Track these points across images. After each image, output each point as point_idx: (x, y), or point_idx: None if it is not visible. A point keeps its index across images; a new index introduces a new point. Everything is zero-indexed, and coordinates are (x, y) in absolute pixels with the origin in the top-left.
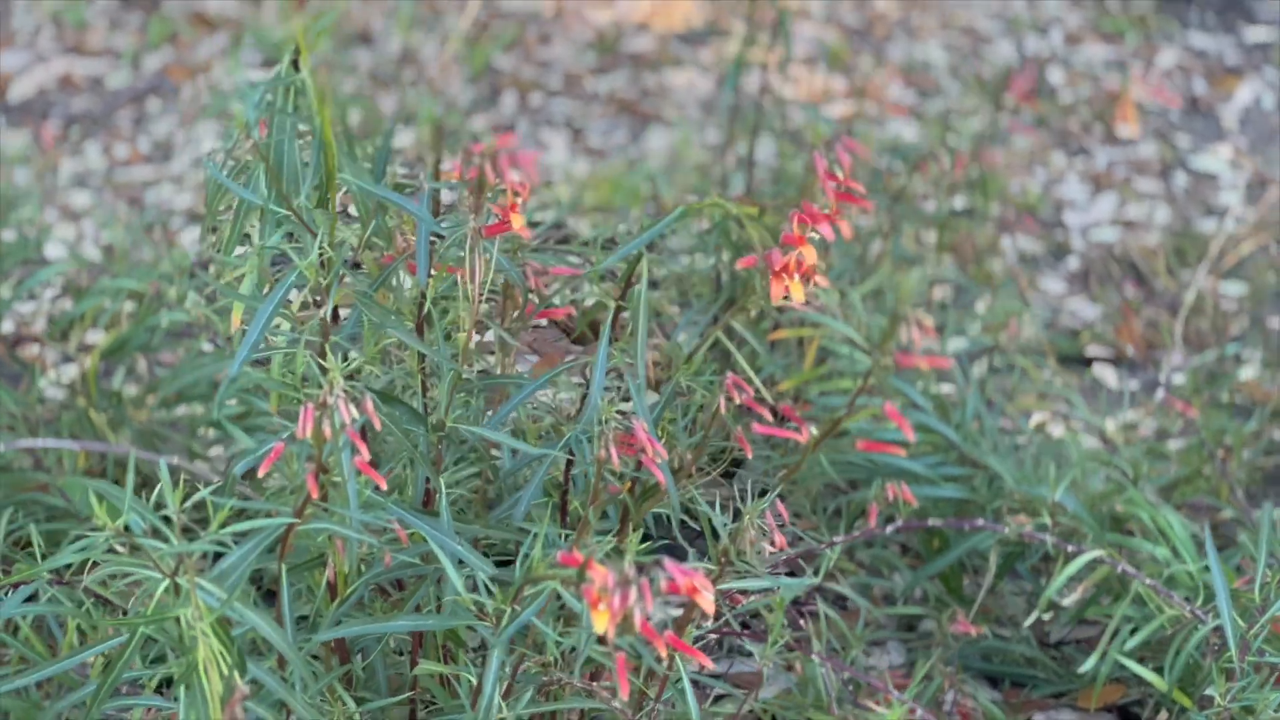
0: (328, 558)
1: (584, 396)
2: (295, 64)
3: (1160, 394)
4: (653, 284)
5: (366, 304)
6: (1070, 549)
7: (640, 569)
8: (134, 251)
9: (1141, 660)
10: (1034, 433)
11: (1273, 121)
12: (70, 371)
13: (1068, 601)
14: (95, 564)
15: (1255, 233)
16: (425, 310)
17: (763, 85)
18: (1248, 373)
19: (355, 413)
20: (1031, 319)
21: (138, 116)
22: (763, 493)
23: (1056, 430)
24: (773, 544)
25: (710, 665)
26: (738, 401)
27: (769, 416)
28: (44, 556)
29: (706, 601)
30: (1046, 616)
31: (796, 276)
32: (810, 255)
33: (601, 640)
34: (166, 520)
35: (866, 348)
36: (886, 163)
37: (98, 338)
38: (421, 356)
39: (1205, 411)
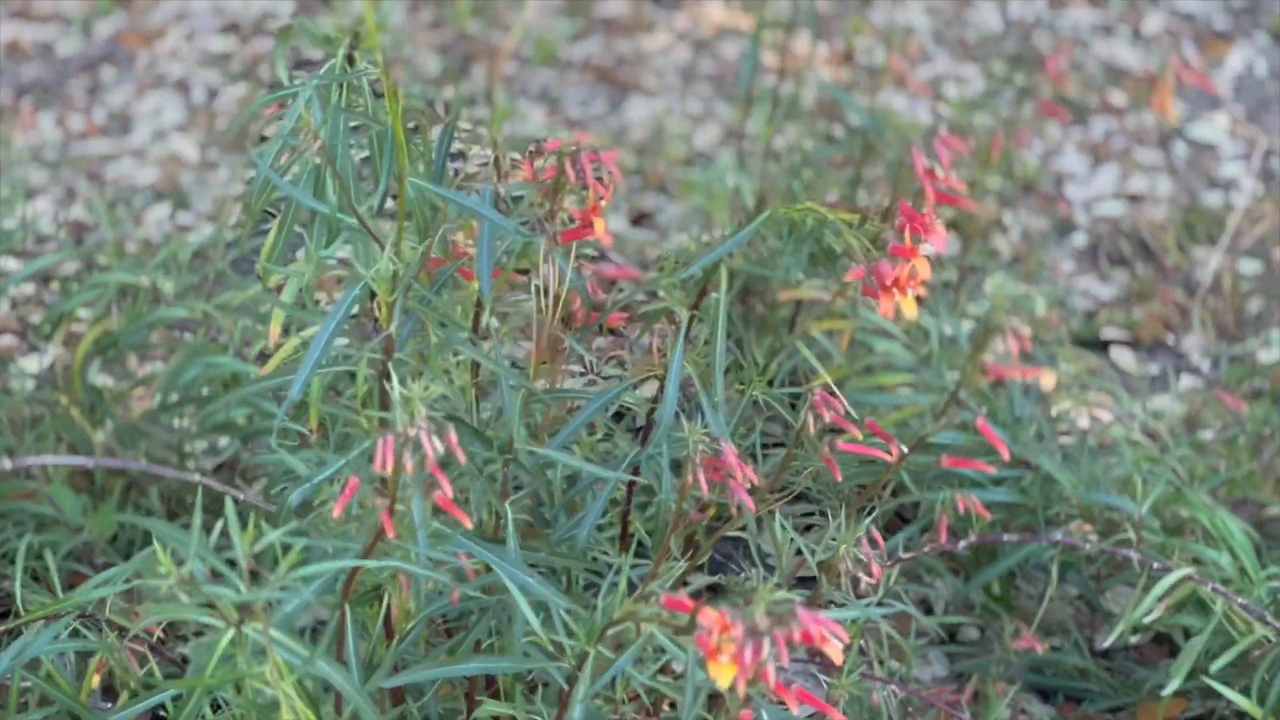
0: (384, 591)
1: (650, 411)
2: (350, 58)
3: (1183, 379)
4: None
5: (434, 317)
6: (1156, 566)
7: (772, 618)
8: (95, 232)
9: (1204, 674)
10: (1074, 427)
11: (1268, 89)
12: (41, 363)
13: (1148, 619)
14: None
15: (1273, 210)
16: (483, 322)
17: (782, 65)
18: (1269, 355)
19: (439, 445)
20: (1047, 301)
21: (92, 86)
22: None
23: (1083, 421)
24: (869, 574)
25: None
26: (827, 420)
27: (856, 434)
28: (31, 573)
29: (835, 652)
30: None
31: (909, 292)
32: (924, 269)
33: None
34: (230, 563)
35: (905, 341)
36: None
37: (81, 330)
38: (475, 369)
39: (1248, 402)
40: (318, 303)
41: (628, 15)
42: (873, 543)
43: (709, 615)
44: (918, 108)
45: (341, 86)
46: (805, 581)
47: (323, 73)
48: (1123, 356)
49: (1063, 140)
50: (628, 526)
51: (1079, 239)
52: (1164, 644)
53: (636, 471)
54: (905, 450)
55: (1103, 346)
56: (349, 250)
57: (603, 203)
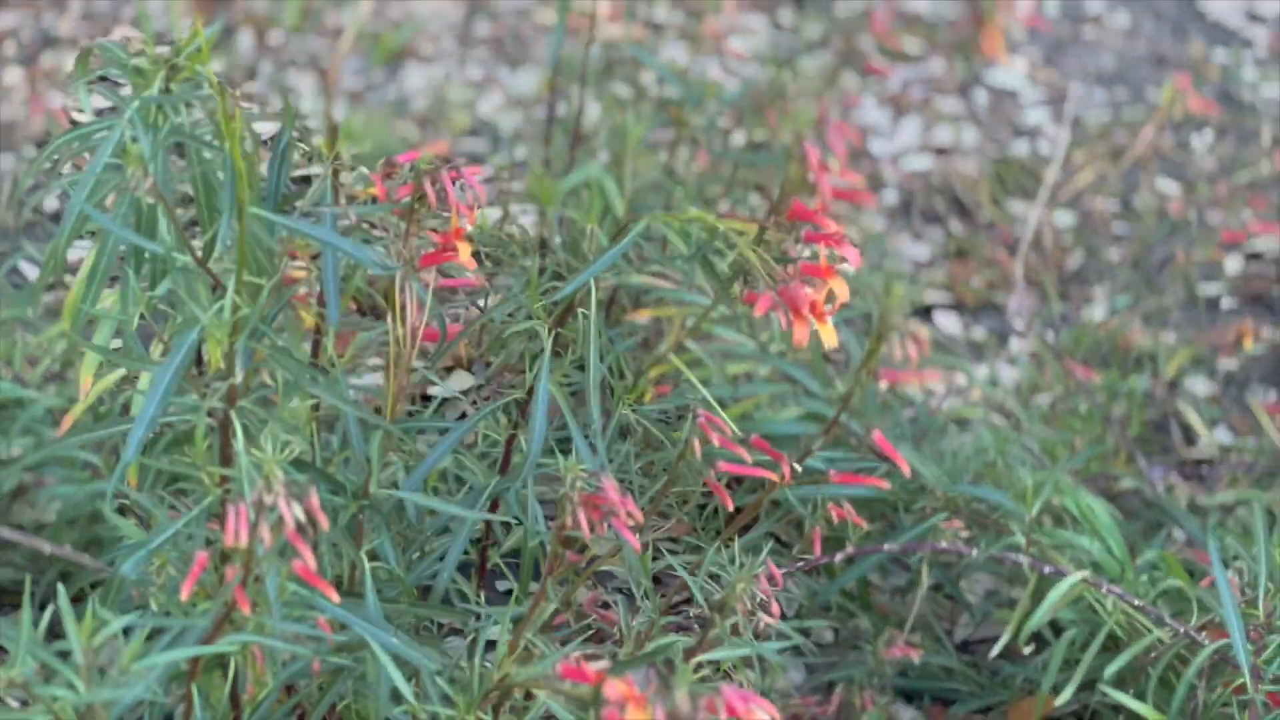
0: (229, 662)
1: (510, 438)
2: (167, 84)
3: (1013, 342)
4: None
5: (281, 360)
6: (1048, 570)
7: (693, 698)
8: None
9: (1098, 683)
10: (925, 407)
11: (1062, 30)
12: None
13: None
14: None
15: (1088, 160)
16: (324, 352)
17: (590, 29)
18: (1096, 314)
19: (298, 511)
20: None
21: None
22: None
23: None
24: (769, 614)
25: None
26: (715, 444)
27: (745, 456)
28: None
29: None
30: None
31: (828, 318)
32: (842, 290)
33: None
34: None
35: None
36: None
37: None
38: (315, 406)
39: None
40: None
41: None
42: (771, 579)
43: (616, 688)
44: (707, 64)
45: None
46: (679, 606)
47: (144, 97)
48: (947, 321)
49: (861, 91)
50: (486, 560)
51: (890, 196)
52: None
53: (495, 507)
54: (797, 468)
55: (925, 312)
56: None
57: (466, 226)
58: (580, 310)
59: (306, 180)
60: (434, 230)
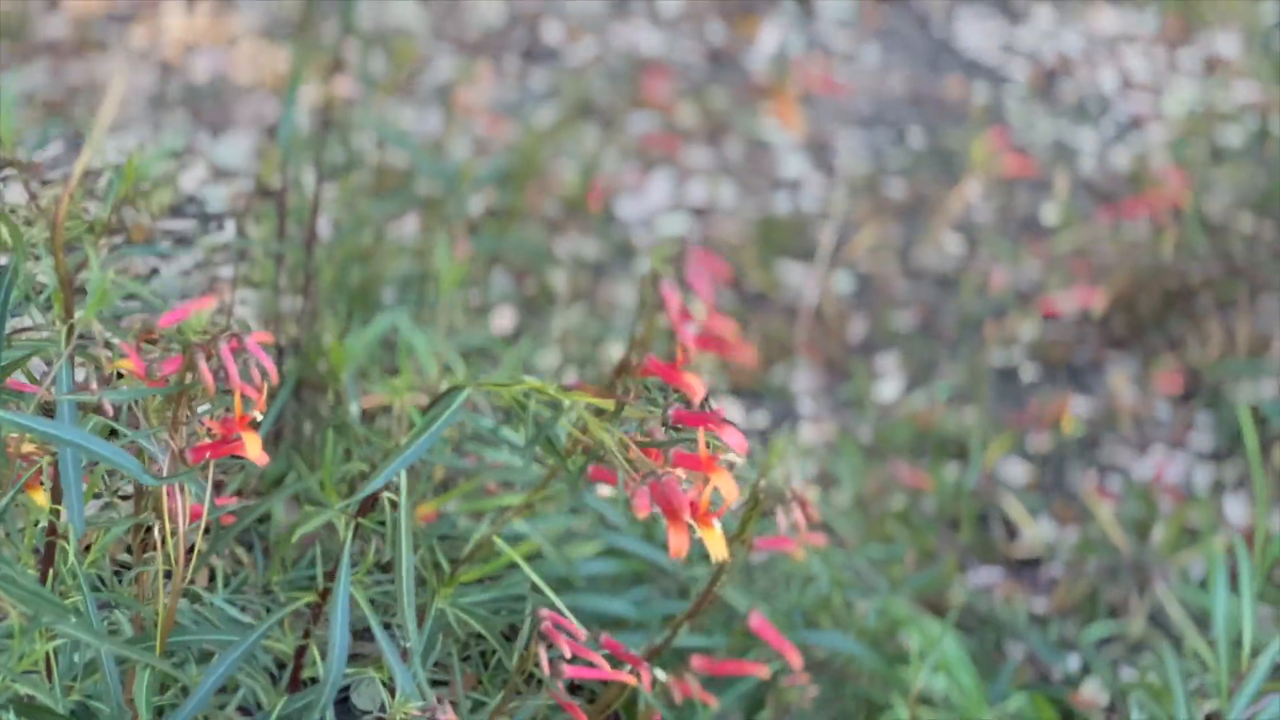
0: None
1: (299, 649)
2: None
3: (806, 430)
4: None
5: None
6: None
7: None
8: None
9: None
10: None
11: (810, 68)
12: None
13: None
14: None
15: (864, 216)
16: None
17: (327, 102)
18: (887, 390)
19: None
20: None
21: None
22: None
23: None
24: None
25: None
26: (565, 653)
27: (599, 661)
28: None
29: None
30: None
31: (714, 523)
32: (730, 489)
33: None
34: None
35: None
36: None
37: None
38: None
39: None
40: None
41: (73, 37)
42: None
43: None
44: (427, 118)
45: None
46: None
47: None
48: (725, 408)
49: (603, 144)
50: None
51: (644, 264)
52: None
53: None
54: (661, 677)
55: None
56: None
57: (255, 413)
58: (387, 495)
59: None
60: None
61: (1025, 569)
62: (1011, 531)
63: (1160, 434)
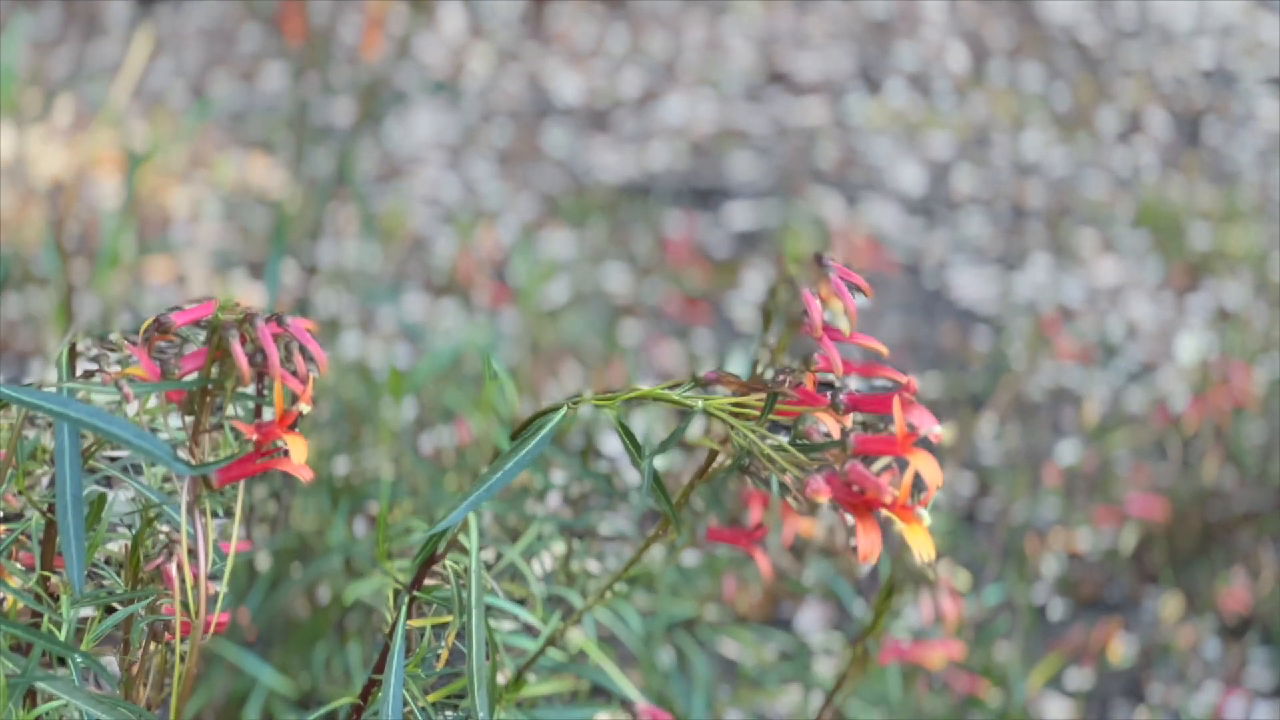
0: None
1: None
2: None
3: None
4: None
5: None
6: None
7: None
8: None
9: None
10: None
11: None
12: None
13: None
14: None
15: None
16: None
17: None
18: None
19: None
20: None
21: None
22: None
23: None
24: None
25: None
26: None
27: None
28: None
29: None
30: None
31: (920, 513)
32: (933, 473)
33: None
34: None
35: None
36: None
37: None
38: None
39: None
40: None
41: None
42: None
43: None
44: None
45: None
46: None
47: None
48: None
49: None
50: None
51: None
52: None
53: None
54: None
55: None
56: None
57: (302, 408)
58: (449, 562)
59: None
60: (242, 421)
61: None
62: None
63: (1211, 672)
